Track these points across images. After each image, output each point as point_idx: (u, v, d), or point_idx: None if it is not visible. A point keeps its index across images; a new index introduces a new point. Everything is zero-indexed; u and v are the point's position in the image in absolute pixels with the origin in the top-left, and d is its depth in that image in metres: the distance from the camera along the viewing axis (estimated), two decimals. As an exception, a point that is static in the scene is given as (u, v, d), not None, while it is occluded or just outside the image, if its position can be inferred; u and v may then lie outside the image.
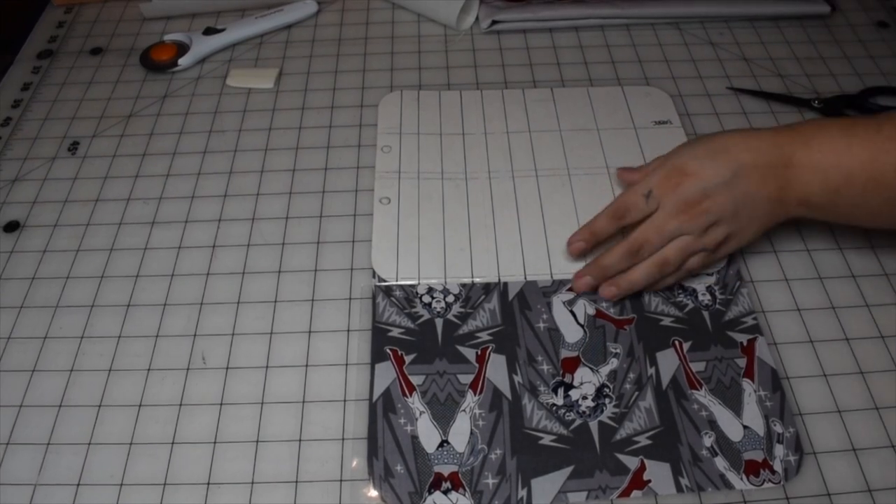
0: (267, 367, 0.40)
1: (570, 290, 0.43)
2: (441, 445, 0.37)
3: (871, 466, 0.36)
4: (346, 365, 0.40)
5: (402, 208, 0.47)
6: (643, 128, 0.52)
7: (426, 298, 0.43)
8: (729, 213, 0.40)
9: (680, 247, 0.40)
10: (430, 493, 0.35)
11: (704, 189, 0.39)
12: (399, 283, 0.43)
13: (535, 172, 0.49)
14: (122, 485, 0.36)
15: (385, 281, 0.43)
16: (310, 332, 0.42)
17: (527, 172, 0.49)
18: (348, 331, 0.42)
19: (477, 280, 0.43)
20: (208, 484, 0.36)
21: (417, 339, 0.41)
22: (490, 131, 0.52)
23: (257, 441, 0.38)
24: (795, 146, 0.39)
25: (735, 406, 0.38)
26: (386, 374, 0.39)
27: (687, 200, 0.40)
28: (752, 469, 0.36)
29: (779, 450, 0.36)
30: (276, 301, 0.43)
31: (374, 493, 0.36)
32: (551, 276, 0.44)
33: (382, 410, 0.38)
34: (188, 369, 0.40)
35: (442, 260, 0.44)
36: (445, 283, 0.43)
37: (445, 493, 0.35)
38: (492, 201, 0.47)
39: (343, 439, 0.37)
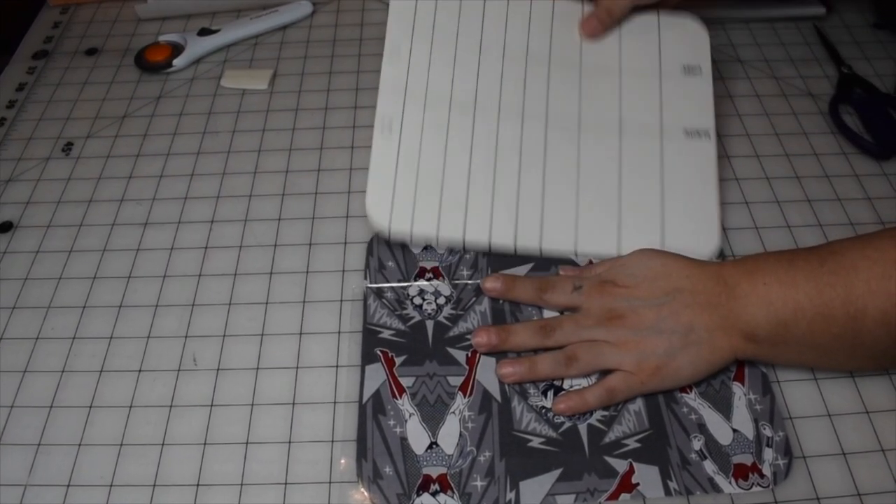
0: (258, 368, 0.40)
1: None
2: (430, 447, 0.37)
3: (861, 470, 0.36)
4: (337, 367, 0.40)
5: (403, 142, 0.44)
6: (670, 76, 0.47)
7: (417, 300, 0.43)
8: (653, 331, 0.37)
9: (592, 350, 0.38)
10: (418, 494, 0.35)
11: (631, 305, 0.38)
12: (388, 285, 0.43)
13: (545, 119, 0.46)
14: (112, 486, 0.36)
15: (380, 228, 0.43)
16: (301, 333, 0.42)
17: (537, 116, 0.46)
18: (339, 332, 0.42)
19: (468, 240, 0.43)
20: (198, 485, 0.36)
21: (408, 340, 0.41)
22: (508, 54, 0.47)
23: (247, 442, 0.38)
24: (738, 277, 0.37)
25: (725, 409, 0.38)
26: (376, 375, 0.39)
27: (612, 309, 0.38)
28: (741, 473, 0.36)
29: (768, 453, 0.36)
30: (267, 302, 0.43)
31: (362, 494, 0.36)
32: (540, 249, 0.43)
33: (372, 412, 0.38)
34: (179, 370, 0.40)
35: (437, 214, 0.42)
36: (437, 240, 0.42)
37: (434, 494, 0.35)
38: (496, 148, 0.44)
39: (333, 441, 0.38)
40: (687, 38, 0.48)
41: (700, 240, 0.43)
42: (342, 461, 0.37)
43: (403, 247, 0.44)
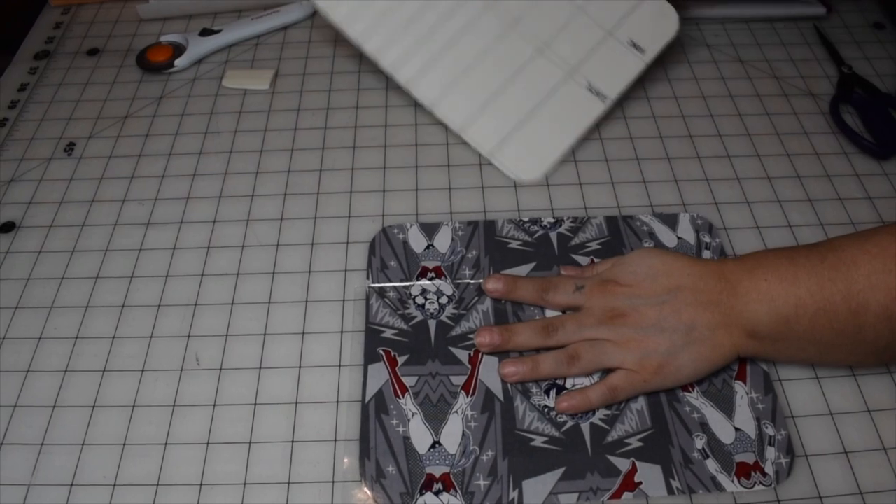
0: (260, 368, 0.40)
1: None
2: (433, 447, 0.37)
3: (863, 469, 0.36)
4: (339, 366, 0.40)
5: None
6: (615, 40, 0.50)
7: (419, 300, 0.43)
8: (655, 329, 0.37)
9: (595, 349, 0.38)
10: (421, 493, 0.35)
11: (633, 303, 0.38)
12: (390, 284, 0.43)
13: (488, 5, 0.50)
14: (115, 485, 0.36)
15: (322, 9, 0.49)
16: (303, 333, 0.42)
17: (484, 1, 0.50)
18: (341, 332, 0.42)
19: (394, 77, 0.50)
20: (201, 485, 0.36)
21: (410, 340, 0.41)
22: None
23: (250, 442, 0.38)
24: (740, 274, 0.37)
25: (727, 408, 0.38)
26: (378, 375, 0.40)
27: (613, 308, 0.39)
28: (743, 471, 0.36)
29: (770, 452, 0.37)
30: (269, 302, 0.43)
31: (365, 493, 0.36)
32: (411, 92, 0.50)
33: (375, 412, 0.38)
34: (182, 370, 0.40)
35: (372, 25, 0.49)
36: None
37: (437, 494, 0.36)
38: (437, 6, 0.50)
39: (335, 440, 0.38)
40: (657, 23, 0.51)
41: (527, 165, 0.48)
42: (345, 460, 0.37)
43: (405, 246, 0.45)
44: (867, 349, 0.36)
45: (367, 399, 0.39)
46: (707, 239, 0.45)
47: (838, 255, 0.36)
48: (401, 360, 0.40)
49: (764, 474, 0.36)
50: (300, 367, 0.40)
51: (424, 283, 0.44)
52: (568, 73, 0.49)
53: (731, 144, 0.51)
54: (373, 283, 0.44)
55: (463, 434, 0.37)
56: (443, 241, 0.45)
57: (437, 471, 0.36)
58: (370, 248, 0.45)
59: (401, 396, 0.39)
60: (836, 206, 0.47)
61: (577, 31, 0.50)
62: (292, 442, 0.38)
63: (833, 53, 0.58)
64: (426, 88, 0.50)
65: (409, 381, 0.39)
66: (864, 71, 0.56)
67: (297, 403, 0.39)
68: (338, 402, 0.39)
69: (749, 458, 0.36)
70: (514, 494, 0.35)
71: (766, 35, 0.60)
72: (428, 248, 0.45)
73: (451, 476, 0.36)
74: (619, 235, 0.45)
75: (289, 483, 0.36)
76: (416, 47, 0.50)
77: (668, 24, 0.51)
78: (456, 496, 0.35)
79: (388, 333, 0.41)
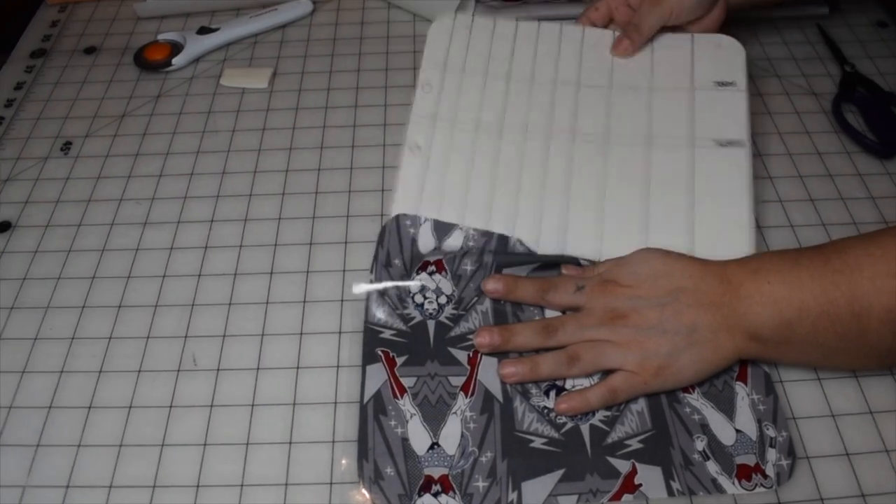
0: (258, 368, 0.40)
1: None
2: (431, 448, 0.37)
3: (865, 471, 0.36)
4: (338, 367, 0.40)
5: (431, 161, 0.46)
6: (703, 89, 0.48)
7: (418, 298, 0.42)
8: (656, 330, 0.37)
9: (595, 350, 0.38)
10: (419, 495, 0.35)
11: (634, 304, 0.38)
12: (390, 283, 0.43)
13: (572, 135, 0.47)
14: (111, 487, 0.36)
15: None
16: (301, 333, 0.42)
17: (564, 133, 0.47)
18: (340, 333, 0.41)
19: (498, 231, 0.44)
20: (198, 486, 0.36)
21: (409, 340, 0.41)
22: (538, 79, 0.49)
23: (247, 443, 0.37)
24: (743, 277, 0.37)
25: (728, 410, 0.38)
26: (377, 375, 0.39)
27: (614, 309, 0.38)
28: (744, 473, 0.36)
29: (771, 454, 0.36)
30: (267, 303, 0.43)
31: (363, 495, 0.35)
32: (562, 259, 0.43)
33: (373, 412, 0.38)
34: (179, 371, 0.40)
35: (463, 214, 0.45)
36: (466, 230, 0.44)
37: (435, 495, 0.35)
38: (521, 165, 0.46)
39: (333, 442, 0.37)
40: (721, 55, 0.50)
41: (732, 247, 0.42)
42: (343, 462, 0.37)
43: (413, 244, 0.44)
44: (870, 353, 0.36)
45: (365, 400, 0.38)
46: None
47: (842, 258, 0.35)
48: (399, 360, 0.40)
49: (765, 476, 0.36)
50: (298, 367, 0.40)
51: (423, 277, 0.43)
52: (690, 144, 0.46)
53: (732, 143, 0.51)
54: (375, 279, 0.43)
55: (462, 435, 0.37)
56: (453, 245, 0.45)
57: (436, 472, 0.36)
58: (378, 239, 0.44)
59: (399, 397, 0.39)
60: (839, 205, 0.47)
61: (663, 106, 0.48)
62: (290, 443, 0.37)
63: (835, 52, 0.57)
64: (579, 244, 0.43)
65: (407, 381, 0.39)
66: (867, 70, 0.56)
67: (294, 404, 0.39)
68: (336, 403, 0.39)
69: (750, 460, 0.36)
70: (513, 496, 0.35)
71: (768, 34, 0.60)
72: (435, 250, 0.44)
73: (450, 477, 0.36)
74: None
75: (286, 484, 0.36)
76: (537, 211, 0.44)
77: (732, 50, 0.49)
78: (455, 498, 0.35)
79: (387, 334, 0.41)
